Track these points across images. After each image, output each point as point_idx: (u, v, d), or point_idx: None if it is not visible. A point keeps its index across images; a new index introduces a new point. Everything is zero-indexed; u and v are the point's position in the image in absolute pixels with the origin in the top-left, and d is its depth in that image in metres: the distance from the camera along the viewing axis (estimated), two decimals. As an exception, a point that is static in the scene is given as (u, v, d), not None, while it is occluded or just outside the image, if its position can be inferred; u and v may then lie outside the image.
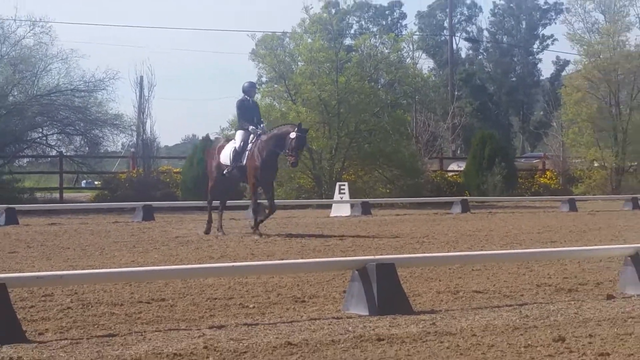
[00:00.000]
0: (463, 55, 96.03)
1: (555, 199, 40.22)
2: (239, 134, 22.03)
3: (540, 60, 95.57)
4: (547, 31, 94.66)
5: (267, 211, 22.43)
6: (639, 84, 49.67)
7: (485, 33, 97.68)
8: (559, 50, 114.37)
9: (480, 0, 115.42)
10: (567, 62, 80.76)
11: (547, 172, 52.40)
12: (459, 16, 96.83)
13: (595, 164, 50.47)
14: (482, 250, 17.56)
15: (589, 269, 14.58)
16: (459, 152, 65.17)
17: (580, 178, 50.44)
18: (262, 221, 22.03)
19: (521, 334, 9.13)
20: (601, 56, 50.20)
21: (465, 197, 36.66)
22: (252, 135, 21.70)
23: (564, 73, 76.86)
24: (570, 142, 50.92)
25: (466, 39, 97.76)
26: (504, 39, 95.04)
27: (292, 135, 21.21)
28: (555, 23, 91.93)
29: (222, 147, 22.39)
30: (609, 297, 11.65)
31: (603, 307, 10.82)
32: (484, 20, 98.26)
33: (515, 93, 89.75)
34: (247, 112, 22.33)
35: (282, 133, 21.59)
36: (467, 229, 24.41)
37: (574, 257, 15.31)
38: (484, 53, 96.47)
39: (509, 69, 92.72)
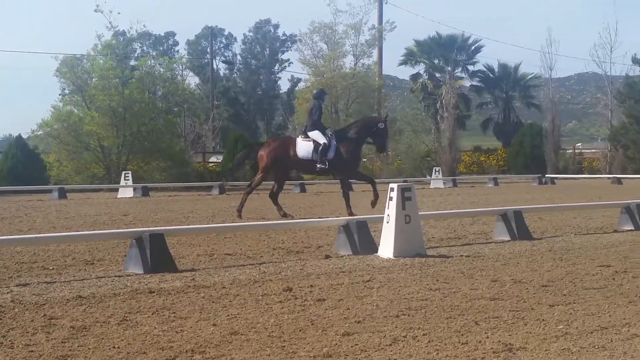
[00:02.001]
0: (222, 73, 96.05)
1: (290, 183, 40.56)
2: (319, 134, 19.65)
3: (280, 78, 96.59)
4: (285, 56, 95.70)
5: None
6: (352, 97, 51.00)
7: (239, 57, 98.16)
8: (294, 71, 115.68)
9: (235, 32, 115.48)
10: (299, 80, 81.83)
11: (285, 163, 53.00)
12: (218, 44, 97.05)
13: (320, 157, 51.47)
14: (233, 222, 17.56)
15: (313, 236, 14.75)
16: (218, 147, 65.01)
17: (309, 167, 51.28)
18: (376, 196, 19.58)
19: (259, 286, 9.17)
20: (324, 76, 51.16)
21: (222, 182, 36.60)
22: (328, 134, 19.80)
23: (297, 88, 77.88)
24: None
25: (224, 62, 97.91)
26: (253, 62, 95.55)
27: (381, 125, 19.91)
28: (291, 50, 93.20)
29: (293, 143, 19.97)
30: (327, 256, 11.82)
31: (322, 264, 10.97)
32: (237, 47, 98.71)
33: (261, 103, 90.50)
34: (321, 116, 20.49)
35: (367, 124, 20.28)
36: (223, 206, 24.36)
37: (302, 227, 15.51)
38: (238, 72, 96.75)
39: (257, 85, 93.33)
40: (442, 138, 55.19)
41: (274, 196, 19.97)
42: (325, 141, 19.54)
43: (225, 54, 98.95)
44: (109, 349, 6.29)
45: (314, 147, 19.59)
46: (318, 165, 19.57)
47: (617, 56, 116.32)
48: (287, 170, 20.94)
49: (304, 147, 19.81)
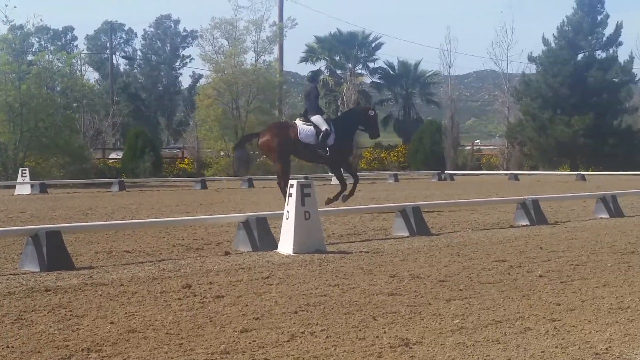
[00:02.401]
0: (122, 69, 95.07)
1: (191, 180, 40.39)
2: (321, 119, 19.01)
3: (181, 74, 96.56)
4: (186, 52, 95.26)
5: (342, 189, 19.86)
6: (253, 93, 50.97)
7: (139, 52, 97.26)
8: (195, 67, 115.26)
9: (135, 27, 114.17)
10: (201, 76, 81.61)
11: (186, 160, 52.85)
12: (118, 39, 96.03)
13: (222, 153, 51.52)
14: (132, 219, 17.37)
15: (213, 232, 14.67)
16: (118, 144, 64.30)
17: (210, 164, 51.21)
18: (352, 193, 19.74)
19: (158, 283, 9.08)
20: (225, 72, 51.07)
21: (122, 179, 36.16)
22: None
23: (198, 84, 77.61)
24: (203, 136, 51.69)
25: (124, 57, 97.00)
26: (153, 58, 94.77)
27: (371, 112, 19.82)
28: (192, 46, 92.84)
29: (292, 127, 19.13)
30: (226, 253, 11.77)
31: (221, 261, 10.91)
32: (138, 42, 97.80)
33: (162, 99, 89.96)
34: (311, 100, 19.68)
35: (359, 113, 20.22)
36: (123, 203, 24.09)
37: (202, 224, 15.41)
38: (138, 68, 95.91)
39: (158, 81, 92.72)
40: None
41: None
42: (327, 127, 18.96)
43: (125, 49, 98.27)
44: (2, 348, 6.15)
45: (316, 133, 18.96)
46: (319, 152, 19.06)
47: (513, 54, 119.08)
48: (289, 155, 19.83)
49: (306, 131, 19.03)
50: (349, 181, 20.05)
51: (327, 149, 18.94)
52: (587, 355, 5.85)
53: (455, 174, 47.58)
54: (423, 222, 14.52)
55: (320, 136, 18.85)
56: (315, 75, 22.55)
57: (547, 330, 6.61)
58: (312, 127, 18.98)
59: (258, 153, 41.46)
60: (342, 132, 19.31)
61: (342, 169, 20.13)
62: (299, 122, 19.25)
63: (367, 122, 19.85)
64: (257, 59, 53.54)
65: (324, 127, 18.90)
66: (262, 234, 12.28)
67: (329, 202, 19.14)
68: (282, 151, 19.02)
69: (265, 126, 23.81)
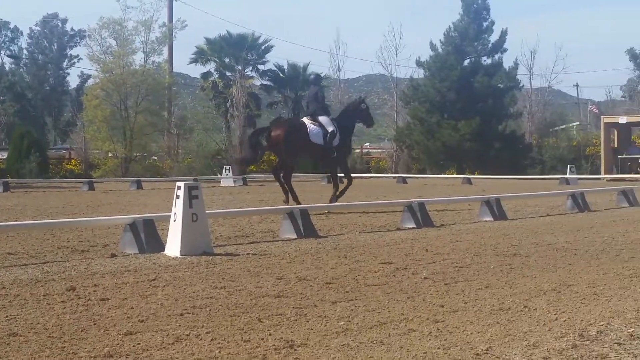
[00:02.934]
0: (7, 68, 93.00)
1: (78, 181, 39.78)
2: (328, 120, 19.95)
3: (68, 74, 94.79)
4: (74, 51, 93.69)
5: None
6: (142, 94, 50.47)
7: (25, 51, 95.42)
8: (83, 67, 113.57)
9: (21, 25, 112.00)
10: (89, 76, 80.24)
11: (73, 160, 52.10)
12: (3, 37, 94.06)
13: (110, 154, 50.90)
14: (16, 221, 17.01)
15: (99, 234, 14.46)
16: (3, 144, 62.79)
17: (98, 165, 50.57)
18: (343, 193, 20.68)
19: (42, 286, 8.91)
20: (114, 72, 50.44)
21: (6, 180, 35.36)
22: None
23: (86, 84, 76.41)
24: (91, 137, 50.96)
25: (9, 56, 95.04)
26: (40, 57, 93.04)
27: (363, 105, 20.97)
28: (80, 45, 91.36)
29: (303, 125, 19.85)
30: (112, 255, 11.61)
31: (107, 263, 10.77)
32: (24, 41, 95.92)
33: (49, 99, 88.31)
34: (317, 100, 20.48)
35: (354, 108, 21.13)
36: (7, 204, 23.57)
37: (88, 225, 15.20)
38: (24, 67, 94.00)
39: (44, 80, 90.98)
40: (232, 137, 55.39)
41: (287, 180, 20.29)
42: (334, 128, 19.61)
43: (11, 47, 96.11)
44: None
45: (323, 134, 19.59)
46: (327, 152, 19.86)
47: (402, 59, 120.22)
48: (298, 152, 20.52)
49: (314, 132, 19.73)
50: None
51: (334, 149, 19.86)
52: (468, 356, 5.96)
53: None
54: (311, 224, 14.58)
55: (327, 137, 19.64)
56: (318, 77, 23.99)
57: (430, 332, 6.71)
58: (319, 128, 19.75)
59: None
60: (344, 131, 20.15)
61: (342, 167, 21.47)
62: (307, 122, 19.89)
63: (362, 114, 21.01)
64: (147, 60, 53.04)
65: (330, 128, 19.68)
66: (149, 236, 12.17)
67: (334, 198, 20.29)
68: (293, 147, 19.74)
69: (276, 121, 24.96)
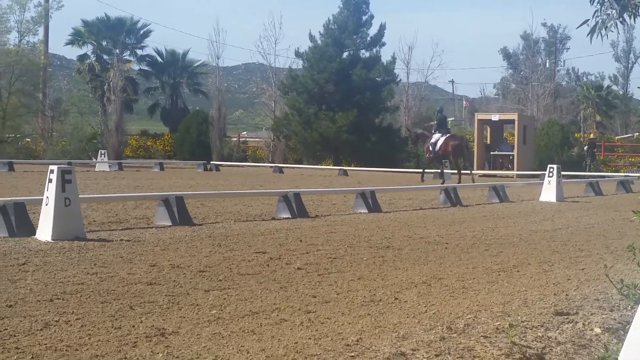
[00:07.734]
0: None
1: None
2: (439, 135, 32.00)
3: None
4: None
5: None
6: (15, 74, 49.23)
7: None
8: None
9: None
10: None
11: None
12: None
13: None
14: None
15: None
16: None
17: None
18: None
19: None
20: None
21: None
22: (443, 136, 31.94)
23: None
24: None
25: None
26: None
27: (441, 139, 31.89)
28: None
29: (431, 137, 32.37)
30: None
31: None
32: None
33: None
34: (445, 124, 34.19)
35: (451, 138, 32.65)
36: None
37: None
38: None
39: None
40: (109, 121, 54.58)
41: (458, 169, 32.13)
42: (439, 141, 31.91)
43: None
44: None
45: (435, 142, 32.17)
46: (440, 154, 32.48)
47: (281, 49, 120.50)
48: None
49: (433, 141, 32.18)
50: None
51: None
52: (339, 346, 6.02)
53: (221, 165, 47.83)
54: (186, 211, 14.52)
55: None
56: (442, 109, 37.06)
57: (302, 322, 6.76)
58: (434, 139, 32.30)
59: None
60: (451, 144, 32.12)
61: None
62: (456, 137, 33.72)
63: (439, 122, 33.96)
64: (21, 40, 51.88)
65: (437, 139, 32.01)
66: (20, 220, 11.93)
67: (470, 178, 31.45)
68: (461, 152, 32.07)
69: (452, 136, 33.65)
